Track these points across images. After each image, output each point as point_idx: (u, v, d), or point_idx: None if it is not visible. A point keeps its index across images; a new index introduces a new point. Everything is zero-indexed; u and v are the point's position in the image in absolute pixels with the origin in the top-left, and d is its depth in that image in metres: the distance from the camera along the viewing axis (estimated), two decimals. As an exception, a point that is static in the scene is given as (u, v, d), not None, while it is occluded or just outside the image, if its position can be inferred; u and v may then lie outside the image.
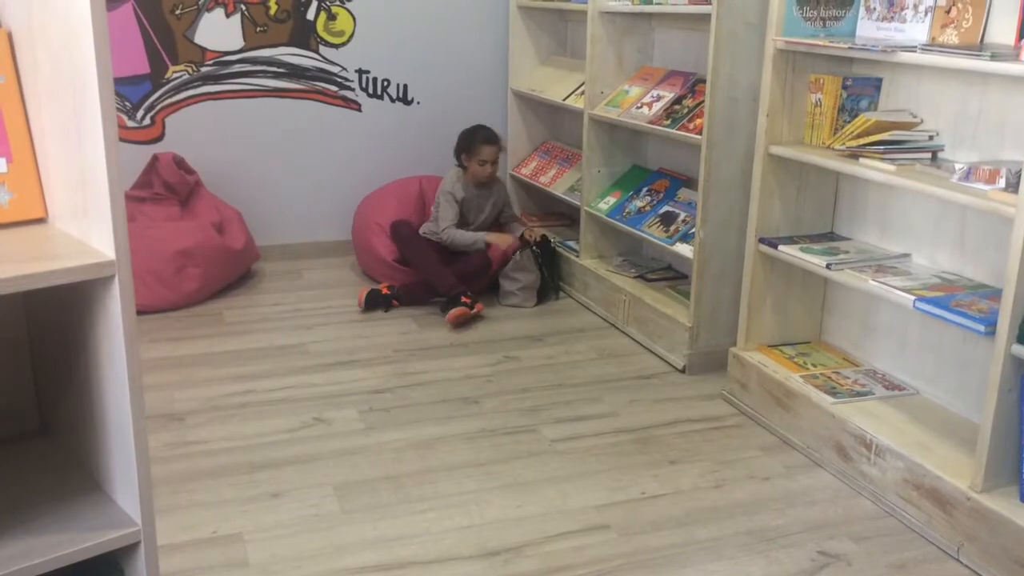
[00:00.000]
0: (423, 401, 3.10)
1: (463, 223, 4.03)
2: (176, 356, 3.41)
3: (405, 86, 4.56)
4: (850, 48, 2.59)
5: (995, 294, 2.28)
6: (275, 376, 3.27)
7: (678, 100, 3.55)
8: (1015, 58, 2.20)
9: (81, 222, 1.18)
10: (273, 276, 4.32)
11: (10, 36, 1.24)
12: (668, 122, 3.49)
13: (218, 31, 4.19)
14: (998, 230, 2.42)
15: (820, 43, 2.67)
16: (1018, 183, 2.13)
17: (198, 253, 3.85)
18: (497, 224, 4.21)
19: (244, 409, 3.01)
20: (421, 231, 4.06)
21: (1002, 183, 2.23)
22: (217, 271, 3.96)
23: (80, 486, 1.34)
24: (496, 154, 4.01)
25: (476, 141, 3.99)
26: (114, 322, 1.16)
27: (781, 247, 2.86)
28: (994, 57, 2.20)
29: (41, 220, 1.26)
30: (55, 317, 1.32)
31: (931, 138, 2.61)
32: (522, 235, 4.07)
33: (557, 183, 4.39)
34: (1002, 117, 2.43)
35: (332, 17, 4.34)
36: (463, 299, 3.75)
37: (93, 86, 1.06)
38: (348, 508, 2.45)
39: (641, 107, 3.67)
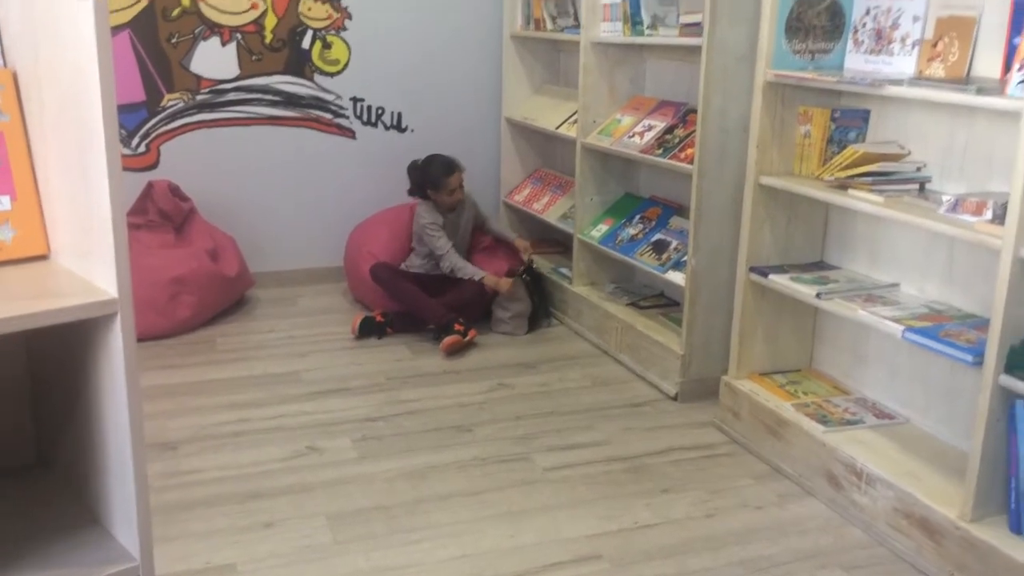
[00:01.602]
0: (416, 429, 3.10)
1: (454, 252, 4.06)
2: (169, 384, 3.41)
3: (399, 114, 4.60)
4: (838, 81, 2.64)
5: (983, 324, 2.31)
6: (268, 404, 3.27)
7: (669, 130, 3.60)
8: (1000, 92, 2.24)
9: (84, 259, 1.20)
10: (267, 303, 4.33)
11: (15, 76, 1.26)
12: (660, 151, 3.53)
13: (214, 60, 4.22)
14: (986, 260, 2.45)
15: (809, 76, 2.72)
16: (1004, 215, 2.16)
17: (192, 280, 3.86)
18: (482, 239, 4.24)
19: (237, 438, 3.02)
20: (403, 265, 4.08)
21: (989, 215, 2.27)
22: (211, 298, 3.97)
23: (78, 520, 1.35)
24: (461, 179, 4.03)
25: (439, 176, 3.99)
26: (115, 359, 1.17)
27: (771, 276, 2.89)
28: (980, 91, 2.24)
29: (43, 257, 1.28)
30: (56, 351, 1.33)
31: (919, 169, 2.65)
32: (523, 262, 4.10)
33: (550, 210, 4.42)
34: (989, 149, 2.47)
35: (327, 46, 4.38)
36: (456, 326, 3.77)
37: (99, 127, 1.08)
38: (341, 539, 2.45)
39: (633, 136, 3.71)
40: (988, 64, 2.44)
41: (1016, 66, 2.23)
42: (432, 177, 4.01)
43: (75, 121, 1.13)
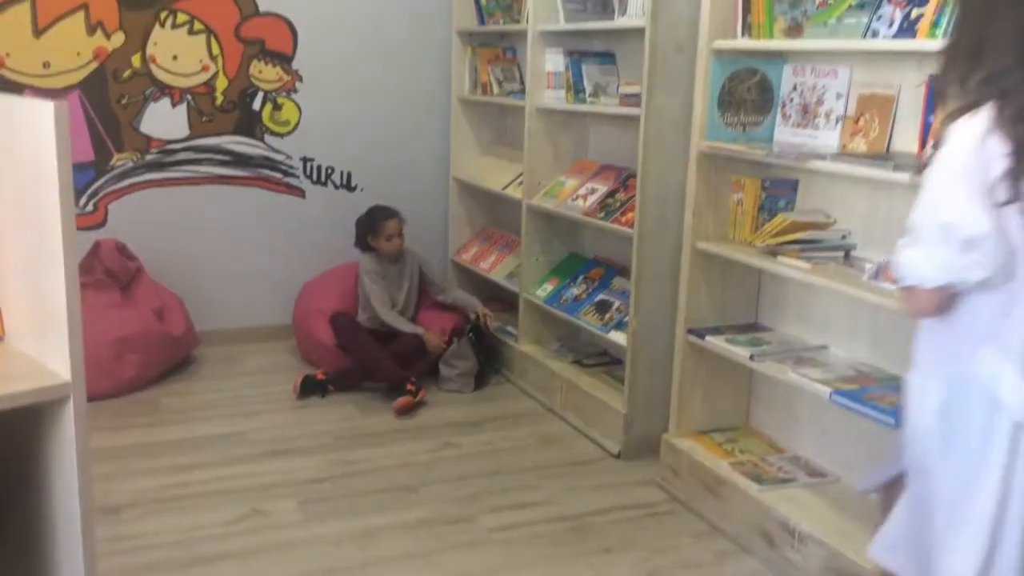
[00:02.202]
0: (363, 490, 3.12)
1: (389, 304, 4.14)
2: (112, 446, 3.38)
3: (349, 173, 4.67)
4: (767, 155, 2.78)
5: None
6: (213, 466, 3.27)
7: (611, 193, 3.72)
8: (916, 167, 2.39)
9: (39, 342, 1.24)
10: (213, 361, 4.32)
11: (-27, 165, 1.31)
12: (602, 215, 3.64)
13: (164, 120, 4.26)
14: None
15: (739, 148, 2.86)
16: (921, 285, 2.28)
17: (138, 340, 3.85)
18: (428, 299, 4.30)
19: (181, 501, 3.01)
20: (358, 319, 4.14)
21: (907, 284, 2.40)
22: (156, 358, 3.96)
23: (24, 595, 1.37)
24: (399, 226, 4.16)
25: (378, 220, 4.14)
26: (66, 439, 1.21)
27: (708, 338, 3.00)
28: (896, 167, 2.39)
29: (-3, 338, 1.31)
30: (6, 430, 1.36)
31: (844, 237, 2.79)
32: (476, 324, 4.16)
33: (497, 269, 4.51)
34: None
35: (278, 107, 4.45)
36: (408, 386, 3.81)
37: (56, 225, 1.13)
38: (287, 603, 2.46)
39: (577, 199, 3.83)
40: (906, 139, 2.60)
41: (930, 143, 2.38)
42: (371, 222, 4.16)
43: (34, 218, 1.19)
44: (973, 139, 1.57)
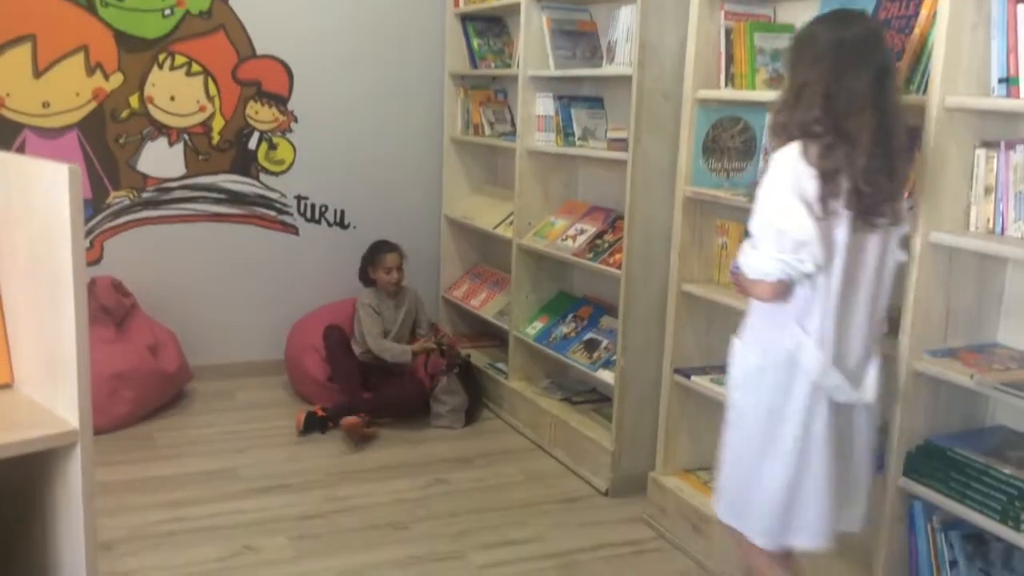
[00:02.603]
0: (353, 527, 3.16)
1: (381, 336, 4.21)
2: (105, 482, 3.41)
3: (342, 211, 4.75)
4: (750, 200, 2.85)
5: (886, 427, 2.49)
6: (205, 502, 3.30)
7: (600, 235, 3.80)
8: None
9: (48, 389, 1.30)
10: (206, 396, 4.36)
11: (-13, 220, 1.37)
12: (591, 255, 3.72)
13: (161, 159, 4.34)
14: (888, 366, 2.65)
15: (723, 194, 2.94)
16: (899, 330, 2.37)
17: (132, 376, 3.89)
18: (414, 336, 4.38)
19: (173, 537, 3.04)
20: (356, 351, 4.20)
21: (886, 328, 2.47)
22: (150, 394, 4.00)
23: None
24: (398, 260, 4.27)
25: (378, 252, 4.28)
26: (73, 483, 1.26)
27: (694, 377, 3.06)
28: (873, 216, 2.47)
29: (7, 385, 1.37)
30: (12, 473, 1.41)
31: (825, 282, 2.86)
32: (439, 345, 4.23)
33: (487, 307, 4.57)
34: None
35: (273, 147, 4.54)
36: (360, 414, 3.90)
37: (68, 277, 1.19)
38: (278, 640, 2.49)
39: (566, 239, 3.91)
40: (883, 187, 2.68)
41: (906, 192, 2.47)
42: (372, 254, 4.29)
43: (46, 269, 1.25)
44: (792, 165, 2.03)
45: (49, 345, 1.28)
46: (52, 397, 1.29)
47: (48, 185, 1.19)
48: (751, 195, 2.21)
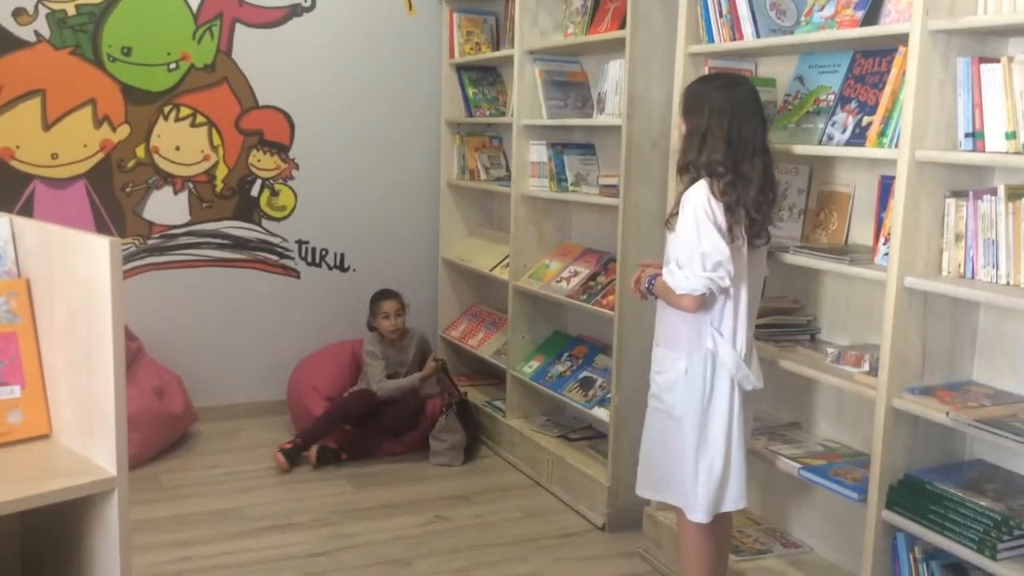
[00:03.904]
0: (357, 564, 3.25)
1: (393, 377, 4.33)
2: (115, 523, 3.50)
3: (342, 255, 4.88)
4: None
5: (869, 462, 2.61)
6: (212, 542, 3.39)
7: (593, 276, 3.93)
8: (870, 260, 2.61)
9: (86, 440, 1.41)
10: (211, 437, 4.45)
11: (29, 283, 1.49)
12: (584, 297, 3.84)
13: (166, 206, 4.47)
14: (869, 403, 2.77)
15: (711, 239, 3.07)
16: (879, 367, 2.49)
17: (138, 419, 3.98)
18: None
19: (183, 577, 3.12)
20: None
21: (866, 367, 2.60)
22: (156, 436, 4.09)
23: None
24: (395, 307, 4.40)
25: (376, 300, 4.43)
26: (110, 530, 1.37)
27: (686, 416, 3.17)
28: (852, 261, 2.61)
29: (46, 436, 1.48)
30: (51, 520, 1.51)
31: (808, 322, 2.99)
32: (436, 361, 4.41)
33: (485, 346, 4.69)
34: (866, 306, 2.83)
35: (275, 194, 4.67)
36: (325, 444, 4.10)
37: (108, 338, 1.31)
38: (287, 676, 2.56)
39: (561, 281, 4.04)
40: (863, 232, 2.82)
41: (882, 239, 2.61)
42: (372, 303, 4.44)
43: (84, 330, 1.36)
44: (705, 200, 2.46)
45: (87, 399, 1.39)
46: (90, 446, 1.40)
47: (90, 255, 1.31)
48: (670, 225, 2.58)
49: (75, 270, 1.37)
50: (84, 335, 1.37)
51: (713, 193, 2.46)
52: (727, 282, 2.46)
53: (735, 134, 2.48)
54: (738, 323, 2.55)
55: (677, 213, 2.54)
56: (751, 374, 2.58)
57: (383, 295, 4.44)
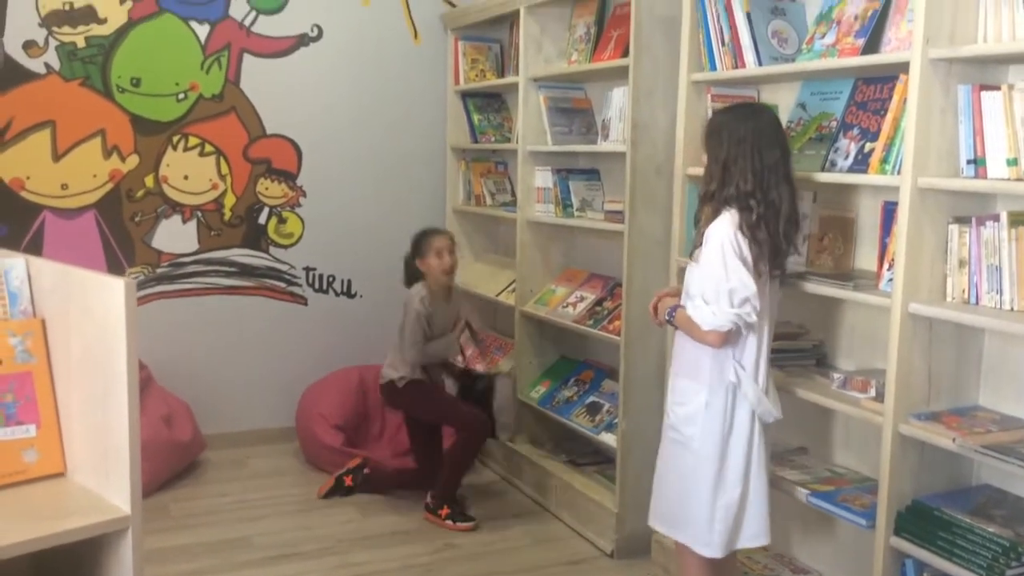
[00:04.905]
0: (367, 593, 3.25)
1: (429, 339, 3.91)
2: (125, 553, 3.50)
3: (349, 281, 4.91)
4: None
5: (876, 488, 2.61)
6: (221, 572, 3.39)
7: (599, 302, 3.94)
8: (874, 286, 2.63)
9: (100, 478, 1.43)
10: (219, 465, 4.46)
11: (44, 323, 1.52)
12: (591, 322, 3.86)
13: (175, 235, 4.51)
14: (875, 428, 2.77)
15: (716, 265, 3.09)
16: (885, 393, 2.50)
17: (147, 448, 3.91)
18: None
19: (193, 607, 3.13)
20: (385, 371, 4.01)
21: (872, 392, 2.61)
22: (164, 465, 4.11)
23: None
24: (447, 242, 3.91)
25: (424, 238, 3.90)
26: (124, 568, 1.38)
27: (694, 441, 3.18)
28: (856, 287, 2.62)
29: (60, 474, 1.50)
30: (64, 556, 1.53)
31: (814, 347, 3.00)
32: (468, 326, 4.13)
33: (492, 371, 4.69)
34: (871, 332, 2.84)
35: (283, 221, 4.71)
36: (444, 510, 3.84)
37: (123, 376, 1.33)
38: None
39: (567, 306, 4.05)
40: (867, 258, 2.83)
41: (886, 265, 2.62)
42: (416, 244, 3.91)
43: (99, 370, 1.38)
44: (732, 234, 2.43)
45: (101, 438, 1.41)
46: (104, 485, 1.41)
47: (105, 296, 1.34)
48: (694, 257, 2.55)
49: (90, 310, 1.39)
50: (99, 375, 1.39)
51: (740, 227, 2.44)
52: (754, 318, 2.43)
53: (758, 163, 2.45)
54: (760, 356, 2.52)
55: (700, 245, 2.51)
56: (772, 408, 2.55)
57: (435, 231, 3.96)
